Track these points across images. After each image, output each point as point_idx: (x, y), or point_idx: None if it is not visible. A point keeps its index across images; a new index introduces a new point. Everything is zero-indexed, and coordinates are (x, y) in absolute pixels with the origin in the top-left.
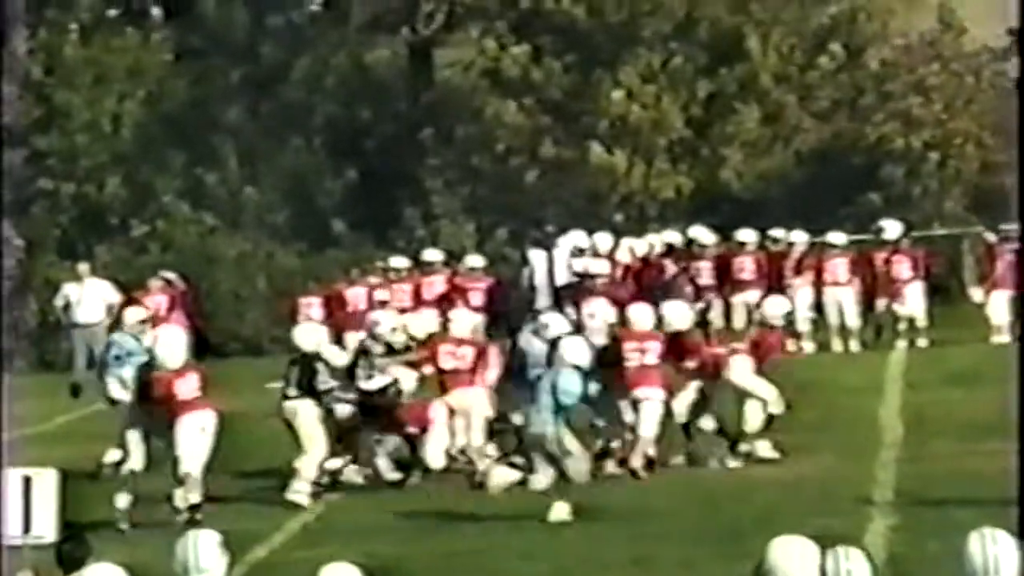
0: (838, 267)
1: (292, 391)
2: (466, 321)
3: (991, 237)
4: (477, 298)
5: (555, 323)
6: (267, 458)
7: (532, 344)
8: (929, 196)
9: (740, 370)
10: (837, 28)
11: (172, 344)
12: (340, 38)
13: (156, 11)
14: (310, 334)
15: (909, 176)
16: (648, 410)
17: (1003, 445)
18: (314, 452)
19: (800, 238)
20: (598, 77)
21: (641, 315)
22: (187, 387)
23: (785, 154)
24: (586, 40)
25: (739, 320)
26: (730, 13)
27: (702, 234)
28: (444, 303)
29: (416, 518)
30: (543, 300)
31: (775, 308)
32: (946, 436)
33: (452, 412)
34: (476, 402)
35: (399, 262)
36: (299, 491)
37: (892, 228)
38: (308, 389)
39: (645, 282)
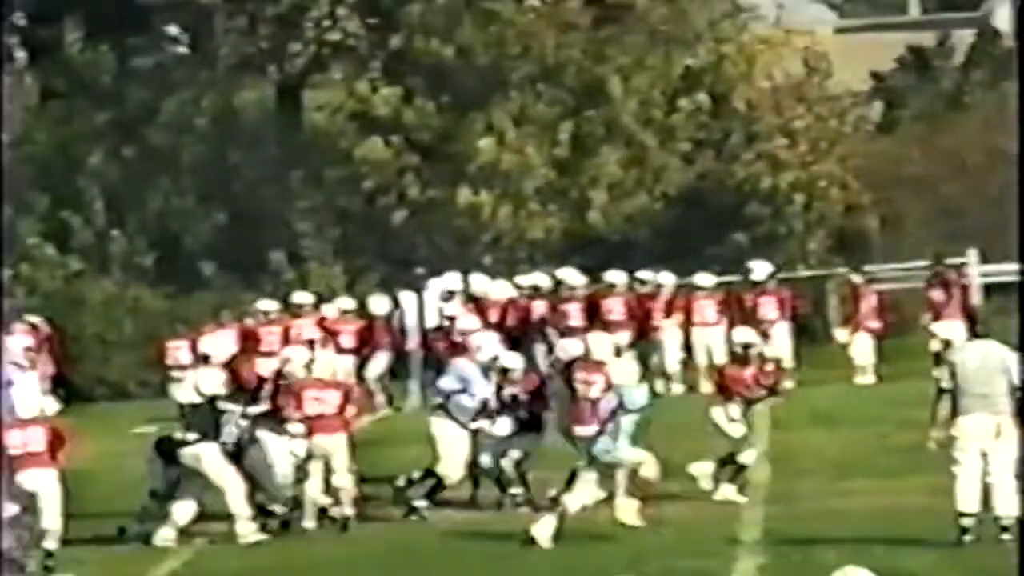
0: (706, 308)
1: (191, 436)
2: (329, 363)
3: (856, 278)
4: (347, 340)
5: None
6: (132, 503)
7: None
8: (794, 237)
9: (716, 411)
10: (703, 72)
11: (24, 393)
12: (208, 80)
13: (20, 54)
14: (212, 379)
15: (775, 217)
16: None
17: (867, 484)
18: (233, 489)
19: (668, 279)
20: (468, 119)
21: (600, 345)
22: (23, 441)
23: (651, 196)
24: (455, 82)
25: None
26: (594, 58)
27: (571, 275)
28: (313, 346)
29: (286, 564)
30: (412, 342)
31: (738, 337)
32: (812, 476)
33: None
34: (337, 448)
35: (268, 305)
36: (247, 531)
37: (760, 269)
38: (209, 433)
39: (513, 324)
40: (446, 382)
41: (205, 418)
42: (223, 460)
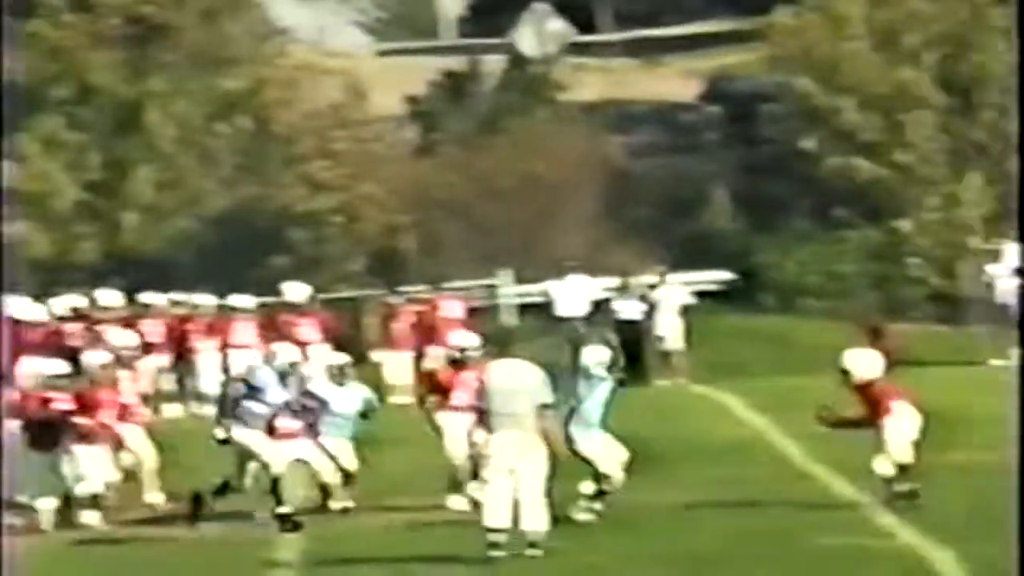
0: (244, 330)
1: None
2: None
3: (393, 299)
4: None
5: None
6: None
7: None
8: (334, 259)
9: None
10: (243, 95)
11: None
12: None
13: None
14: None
15: (315, 239)
16: None
17: (409, 501)
18: None
19: (206, 301)
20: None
21: None
22: None
23: (190, 218)
24: None
25: (147, 384)
26: (132, 81)
27: (108, 297)
28: None
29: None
30: None
31: (454, 340)
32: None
33: None
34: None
35: None
36: None
37: (298, 291)
38: None
39: (49, 346)
40: (237, 388)
41: None
42: None
